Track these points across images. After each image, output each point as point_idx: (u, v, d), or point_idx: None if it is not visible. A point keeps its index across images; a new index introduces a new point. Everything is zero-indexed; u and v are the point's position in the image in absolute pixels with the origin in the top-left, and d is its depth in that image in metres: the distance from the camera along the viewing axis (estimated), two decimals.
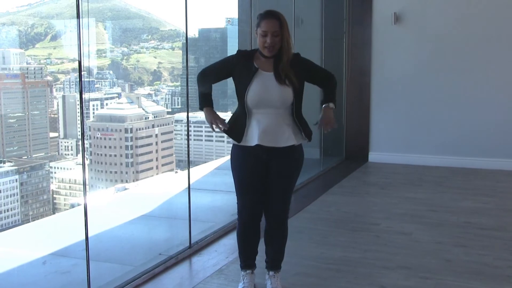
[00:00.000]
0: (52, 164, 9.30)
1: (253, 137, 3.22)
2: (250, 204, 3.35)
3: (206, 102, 3.33)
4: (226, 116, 3.43)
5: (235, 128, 3.27)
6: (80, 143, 9.11)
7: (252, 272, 3.52)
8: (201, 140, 10.31)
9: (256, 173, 3.29)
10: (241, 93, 3.20)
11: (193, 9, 4.39)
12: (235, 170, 3.36)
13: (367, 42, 7.85)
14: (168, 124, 10.06)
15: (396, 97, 7.76)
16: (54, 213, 8.87)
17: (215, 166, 8.10)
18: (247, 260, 3.51)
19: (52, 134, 9.25)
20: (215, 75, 3.36)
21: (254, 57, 3.24)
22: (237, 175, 3.35)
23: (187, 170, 4.60)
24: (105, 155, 9.43)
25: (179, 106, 10.16)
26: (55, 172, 9.47)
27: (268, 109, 3.19)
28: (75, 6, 3.33)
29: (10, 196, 8.35)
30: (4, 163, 8.55)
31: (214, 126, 3.27)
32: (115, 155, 9.37)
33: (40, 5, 9.60)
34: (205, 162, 9.18)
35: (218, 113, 3.34)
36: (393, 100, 7.78)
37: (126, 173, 9.40)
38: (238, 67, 3.23)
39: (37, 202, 8.79)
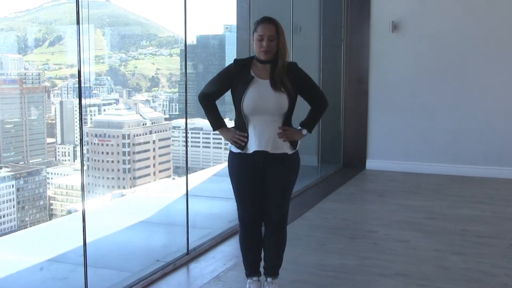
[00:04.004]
0: (49, 169, 9.27)
1: (250, 144, 3.25)
2: (251, 208, 3.36)
3: (218, 124, 3.34)
4: (227, 123, 3.42)
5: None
6: (77, 149, 9.14)
7: (258, 280, 3.50)
8: (199, 146, 10.30)
9: (253, 179, 3.31)
10: (237, 101, 3.23)
11: (191, 16, 4.40)
12: (233, 177, 3.38)
13: (365, 50, 7.87)
14: (166, 131, 10.05)
15: (394, 105, 7.78)
16: (50, 219, 8.84)
17: (212, 173, 8.09)
18: (252, 267, 3.49)
19: (49, 140, 9.23)
20: (218, 91, 3.33)
21: (251, 64, 3.27)
22: (235, 181, 3.37)
23: (184, 177, 4.60)
24: (102, 161, 9.41)
25: (177, 113, 10.16)
26: (52, 178, 9.44)
27: (264, 116, 3.21)
28: (74, 12, 3.32)
29: (7, 202, 8.31)
30: (1, 168, 8.52)
31: (237, 143, 3.26)
32: (112, 161, 9.35)
33: (39, 11, 9.60)
34: (203, 168, 9.17)
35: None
36: (391, 108, 7.80)
37: (123, 179, 9.38)
38: (237, 76, 3.25)
39: (34, 208, 8.76)
